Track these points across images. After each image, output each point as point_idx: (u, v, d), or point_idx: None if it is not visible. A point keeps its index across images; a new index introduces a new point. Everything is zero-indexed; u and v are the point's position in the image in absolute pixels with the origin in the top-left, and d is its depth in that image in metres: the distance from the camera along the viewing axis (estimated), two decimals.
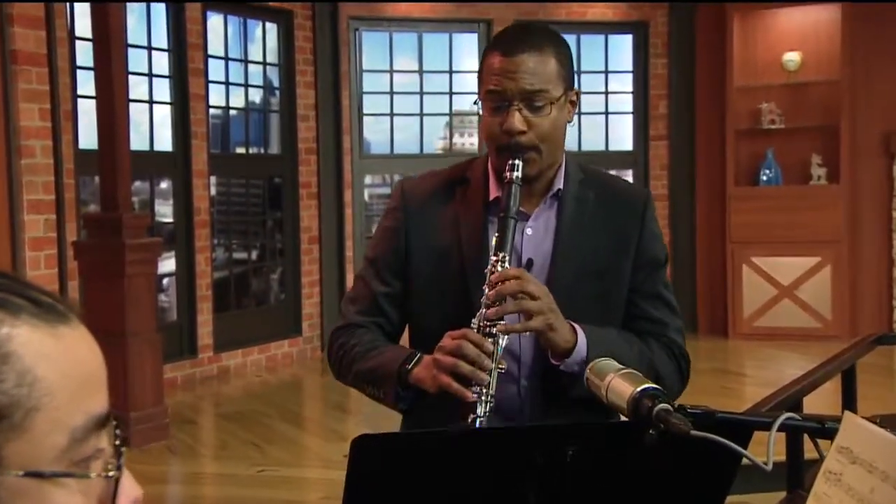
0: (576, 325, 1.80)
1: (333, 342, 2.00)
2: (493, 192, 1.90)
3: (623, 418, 1.41)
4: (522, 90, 1.80)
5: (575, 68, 1.93)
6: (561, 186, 1.92)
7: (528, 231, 1.91)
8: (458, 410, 1.70)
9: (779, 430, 1.29)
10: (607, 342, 1.82)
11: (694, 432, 1.24)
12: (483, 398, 1.68)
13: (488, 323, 1.73)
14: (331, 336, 2.03)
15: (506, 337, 1.74)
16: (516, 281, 1.74)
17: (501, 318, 1.73)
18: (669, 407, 1.27)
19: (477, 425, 1.66)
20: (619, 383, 1.37)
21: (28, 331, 0.73)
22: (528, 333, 1.82)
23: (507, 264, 1.77)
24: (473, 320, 1.75)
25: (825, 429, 1.29)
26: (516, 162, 1.81)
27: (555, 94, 1.82)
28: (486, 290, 1.75)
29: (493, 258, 1.78)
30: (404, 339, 2.05)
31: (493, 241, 1.80)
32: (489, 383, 1.68)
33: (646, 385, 1.32)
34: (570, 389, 1.80)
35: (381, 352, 1.90)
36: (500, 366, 1.71)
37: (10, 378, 0.71)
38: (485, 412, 1.67)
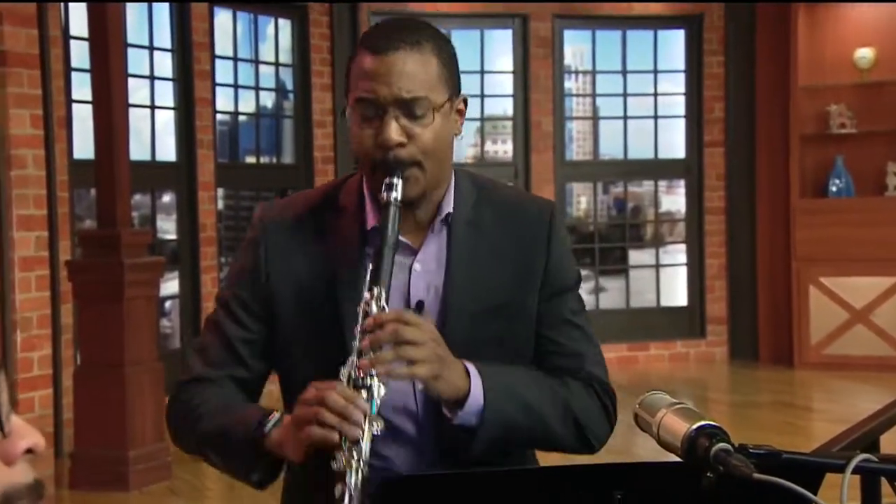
0: (469, 367, 1.69)
1: (173, 403, 1.83)
2: (371, 220, 1.77)
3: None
4: (398, 97, 1.68)
5: (460, 72, 1.81)
6: (451, 210, 1.80)
7: (417, 267, 1.78)
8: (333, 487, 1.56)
9: (853, 472, 1.28)
10: (510, 384, 1.72)
11: (757, 475, 1.23)
12: (354, 464, 1.53)
13: (361, 375, 1.59)
14: (170, 396, 1.86)
15: (382, 390, 1.59)
16: (393, 326, 1.60)
17: (377, 370, 1.60)
18: (729, 447, 1.27)
19: (346, 499, 1.51)
20: (673, 420, 1.36)
21: None
22: (420, 387, 1.71)
23: (382, 301, 1.63)
24: (343, 370, 1.60)
25: None
26: (394, 181, 1.68)
27: (437, 101, 1.71)
28: (358, 335, 1.62)
29: (367, 294, 1.64)
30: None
31: (368, 275, 1.66)
32: (360, 447, 1.54)
33: (702, 422, 1.32)
34: (470, 447, 1.69)
35: (233, 410, 1.74)
36: (377, 425, 1.56)
37: None
38: (356, 483, 1.52)
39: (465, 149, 8.64)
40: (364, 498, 1.52)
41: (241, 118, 7.80)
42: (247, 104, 7.79)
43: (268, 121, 8.00)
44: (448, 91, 1.74)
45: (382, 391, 1.59)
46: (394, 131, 1.68)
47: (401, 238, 1.73)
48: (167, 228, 7.27)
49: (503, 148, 8.73)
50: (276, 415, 1.67)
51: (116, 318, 5.14)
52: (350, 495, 1.52)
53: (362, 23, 7.98)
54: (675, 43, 8.80)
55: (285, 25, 7.86)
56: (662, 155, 8.82)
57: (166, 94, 7.01)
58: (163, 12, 6.98)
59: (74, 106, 6.22)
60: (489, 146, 8.67)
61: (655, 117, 8.79)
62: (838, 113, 8.15)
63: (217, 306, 1.86)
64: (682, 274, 8.86)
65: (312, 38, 7.85)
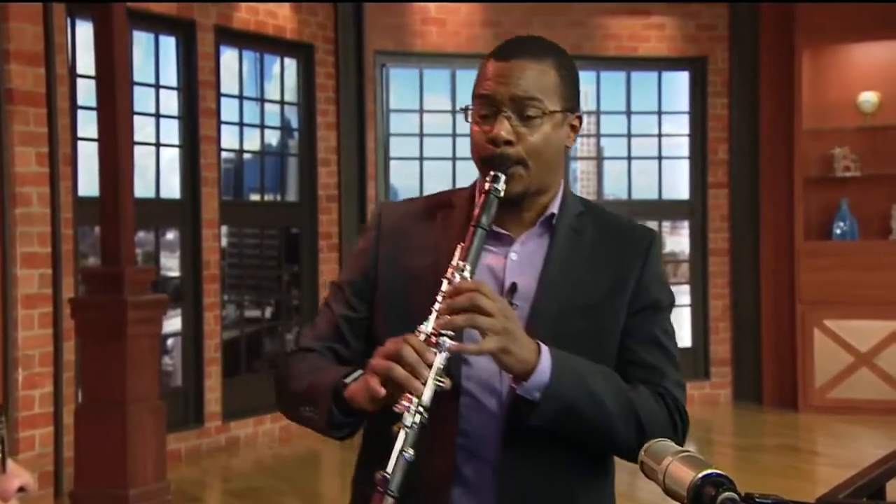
0: (542, 346, 1.78)
1: (278, 370, 1.99)
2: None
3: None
4: (514, 95, 1.82)
5: (581, 92, 1.95)
6: (556, 212, 1.93)
7: (513, 256, 1.91)
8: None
9: None
10: (576, 371, 1.79)
11: None
12: (413, 408, 1.65)
13: (435, 332, 1.71)
14: (278, 367, 2.02)
15: (447, 353, 1.72)
16: (468, 294, 1.72)
17: (450, 331, 1.72)
18: (735, 496, 1.27)
19: (401, 436, 1.64)
20: (678, 468, 1.36)
21: None
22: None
23: (466, 274, 1.76)
24: (420, 327, 1.73)
25: None
26: (498, 174, 1.82)
27: (549, 107, 1.84)
28: (439, 299, 1.75)
29: (453, 266, 1.77)
30: None
31: (460, 250, 1.79)
32: (422, 394, 1.66)
33: (708, 470, 1.32)
34: (527, 418, 1.77)
35: (325, 369, 1.88)
36: (441, 380, 1.69)
37: None
38: (413, 423, 1.64)
39: None
40: (417, 440, 1.64)
41: (246, 156, 7.83)
42: (252, 142, 7.82)
43: (272, 159, 8.04)
44: (562, 104, 1.87)
45: (445, 356, 1.71)
46: (504, 130, 1.82)
47: (501, 231, 1.89)
48: (171, 265, 7.28)
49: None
50: (359, 371, 1.78)
51: (119, 356, 5.13)
52: (406, 434, 1.63)
53: (367, 63, 8.04)
54: (679, 84, 8.85)
55: (291, 64, 7.92)
56: (666, 196, 8.85)
57: (171, 131, 7.05)
58: (169, 51, 7.03)
59: (80, 143, 6.26)
60: None
61: (659, 158, 8.82)
62: (843, 156, 8.18)
63: (331, 287, 2.02)
64: (685, 315, 8.85)
65: (318, 77, 7.90)
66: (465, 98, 8.47)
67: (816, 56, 8.28)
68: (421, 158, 8.37)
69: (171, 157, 7.07)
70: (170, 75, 7.03)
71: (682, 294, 8.99)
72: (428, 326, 1.72)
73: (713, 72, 8.63)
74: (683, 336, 8.84)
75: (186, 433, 6.92)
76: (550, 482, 1.85)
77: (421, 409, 1.65)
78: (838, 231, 8.20)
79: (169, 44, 7.03)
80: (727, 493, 1.27)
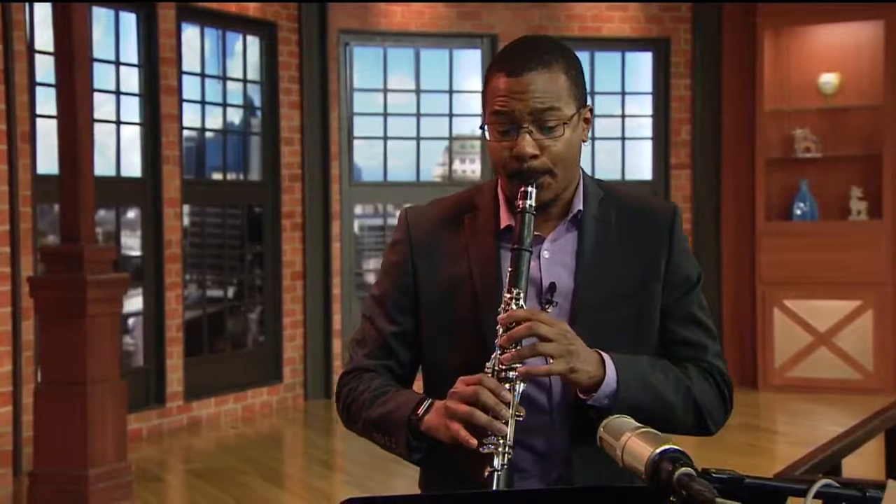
0: (604, 356, 1.84)
1: (341, 388, 2.05)
2: (505, 220, 1.96)
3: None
4: (532, 109, 1.86)
5: (587, 84, 1.99)
6: (581, 208, 1.97)
7: (546, 254, 1.96)
8: (477, 458, 1.73)
9: (815, 497, 1.29)
10: (639, 372, 1.86)
11: (719, 500, 1.23)
12: (500, 449, 1.71)
13: (503, 367, 1.77)
14: (338, 382, 2.08)
15: (522, 385, 1.78)
16: (526, 325, 1.77)
17: (519, 363, 1.77)
18: (692, 471, 1.27)
19: (494, 479, 1.69)
20: (636, 444, 1.36)
21: None
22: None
23: (521, 301, 1.81)
24: (488, 364, 1.78)
25: (867, 498, 1.29)
26: (529, 189, 1.87)
27: (567, 113, 1.88)
28: (500, 332, 1.80)
29: (507, 295, 1.82)
30: (418, 382, 2.08)
31: (507, 276, 1.85)
32: (507, 434, 1.72)
33: (666, 446, 1.32)
34: (598, 424, 1.82)
35: (391, 397, 1.94)
36: (519, 414, 1.75)
37: None
38: (502, 464, 1.71)
39: (432, 167, 8.65)
40: (510, 477, 1.72)
41: (208, 134, 7.77)
42: (214, 120, 7.76)
43: (235, 137, 7.98)
44: (576, 104, 1.91)
45: (522, 386, 1.78)
46: (528, 145, 1.86)
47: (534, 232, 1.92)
48: (132, 245, 7.22)
49: (471, 167, 8.75)
50: (429, 401, 1.87)
51: (78, 335, 5.09)
52: (497, 476, 1.70)
53: (331, 42, 7.99)
54: (642, 65, 8.86)
55: (254, 42, 7.86)
56: (629, 176, 8.87)
57: (132, 109, 6.98)
58: (129, 27, 6.95)
59: (39, 121, 6.18)
60: (457, 165, 8.68)
61: (623, 139, 8.84)
62: (803, 137, 8.23)
63: (371, 302, 2.08)
64: None
65: (281, 55, 7.85)
66: (428, 78, 8.48)
67: (778, 38, 8.33)
68: (385, 138, 8.35)
69: (132, 135, 7.00)
70: (130, 52, 6.96)
71: None
72: (494, 362, 1.78)
73: (676, 53, 8.66)
74: None
75: (148, 413, 6.89)
76: (603, 471, 1.86)
77: (508, 449, 1.72)
78: (798, 212, 8.27)
79: (129, 20, 6.95)
80: (684, 469, 1.28)
